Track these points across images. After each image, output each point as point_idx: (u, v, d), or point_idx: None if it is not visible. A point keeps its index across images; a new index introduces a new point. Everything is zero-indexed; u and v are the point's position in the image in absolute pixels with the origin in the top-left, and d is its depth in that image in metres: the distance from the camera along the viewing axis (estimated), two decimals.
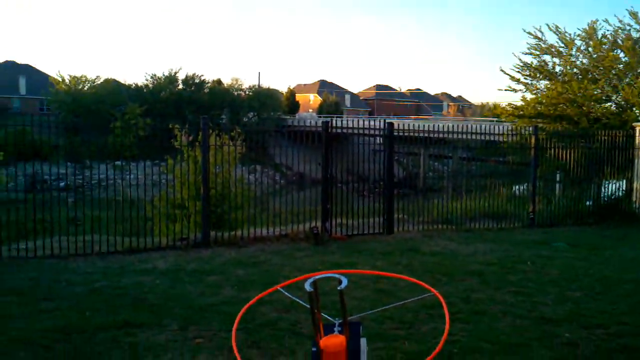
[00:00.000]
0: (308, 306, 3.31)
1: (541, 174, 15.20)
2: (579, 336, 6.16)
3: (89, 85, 65.98)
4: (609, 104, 21.48)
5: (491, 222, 13.90)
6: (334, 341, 2.67)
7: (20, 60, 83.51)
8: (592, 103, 20.49)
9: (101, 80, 67.35)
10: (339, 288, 3.22)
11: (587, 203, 15.22)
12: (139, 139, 12.07)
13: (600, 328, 6.45)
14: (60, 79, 65.46)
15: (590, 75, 20.81)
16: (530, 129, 15.12)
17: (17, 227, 10.61)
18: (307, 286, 3.27)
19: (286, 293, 5.02)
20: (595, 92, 20.20)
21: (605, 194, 15.38)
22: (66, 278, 8.31)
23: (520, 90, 22.03)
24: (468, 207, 14.13)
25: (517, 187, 16.04)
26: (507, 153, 16.97)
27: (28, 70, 78.54)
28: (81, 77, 66.01)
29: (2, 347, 5.64)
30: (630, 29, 20.62)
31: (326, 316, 3.54)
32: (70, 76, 65.69)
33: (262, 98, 70.78)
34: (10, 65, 79.66)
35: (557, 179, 15.95)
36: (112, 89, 65.25)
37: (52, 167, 13.42)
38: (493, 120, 41.21)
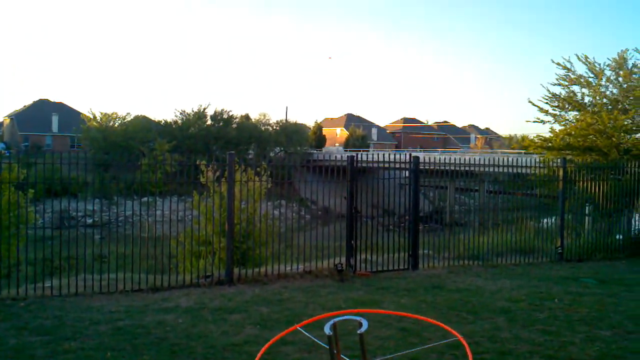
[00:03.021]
0: (328, 347, 3.26)
1: (570, 207, 14.94)
2: None
3: (119, 121, 67.18)
4: None
5: (519, 257, 13.67)
6: None
7: (53, 98, 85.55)
8: (622, 134, 20.16)
9: (131, 117, 68.57)
10: (358, 331, 3.16)
11: (617, 237, 14.92)
12: (167, 175, 12.16)
13: None
14: (91, 116, 66.80)
15: (620, 106, 20.54)
16: (559, 161, 14.93)
17: (43, 264, 10.72)
18: (327, 329, 3.21)
19: (305, 333, 4.96)
20: (626, 123, 19.89)
21: (636, 227, 15.07)
22: (90, 317, 8.34)
23: (548, 121, 21.76)
24: (495, 242, 13.91)
25: (545, 220, 15.79)
26: (535, 186, 16.76)
27: (60, 108, 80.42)
28: (112, 114, 67.33)
29: None
30: None
31: (346, 358, 3.46)
32: (101, 113, 67.06)
33: (289, 133, 71.32)
34: (44, 104, 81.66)
35: (586, 212, 15.65)
36: (142, 125, 66.33)
37: (81, 203, 13.56)
38: (521, 153, 40.91)
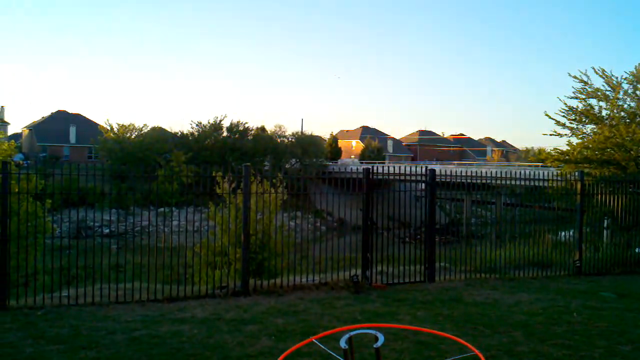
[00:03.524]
0: None
1: (588, 221, 14.78)
2: None
3: (136, 133, 67.63)
4: None
5: (536, 270, 13.55)
6: None
7: (71, 109, 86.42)
8: None
9: (148, 128, 69.00)
10: (375, 346, 3.12)
11: (637, 250, 14.73)
12: (183, 186, 12.21)
13: None
14: (108, 128, 67.35)
15: (638, 119, 20.36)
16: (576, 174, 14.79)
17: (60, 273, 10.79)
18: (342, 343, 3.18)
19: (321, 345, 4.93)
20: None
21: None
22: (106, 326, 8.36)
23: (565, 134, 21.60)
24: (512, 255, 13.81)
25: (563, 233, 15.63)
26: (552, 199, 16.61)
27: (78, 120, 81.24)
28: (129, 125, 67.85)
29: None
30: None
31: None
32: (118, 124, 67.59)
33: (305, 144, 71.46)
34: (62, 115, 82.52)
35: (605, 225, 15.47)
36: (159, 136, 66.77)
37: (98, 213, 13.63)
38: (538, 166, 40.69)
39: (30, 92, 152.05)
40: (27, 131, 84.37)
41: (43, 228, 14.04)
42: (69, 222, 13.76)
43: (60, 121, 79.51)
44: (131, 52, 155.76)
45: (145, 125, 69.29)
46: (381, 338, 3.19)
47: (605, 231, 15.49)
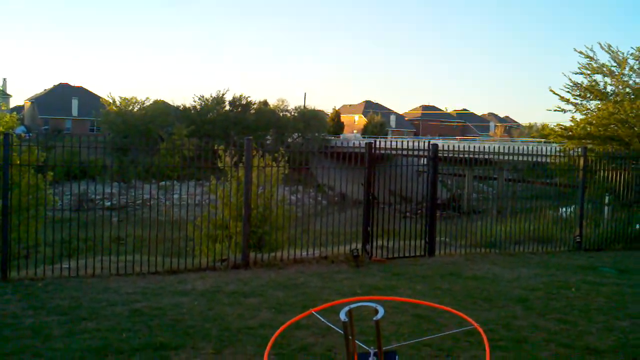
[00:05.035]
0: (343, 332, 3.24)
1: (589, 197, 14.77)
2: None
3: (138, 106, 67.40)
4: None
5: (536, 245, 13.56)
6: None
7: (74, 82, 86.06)
8: None
9: (150, 102, 68.76)
10: (374, 318, 3.12)
11: (637, 226, 14.72)
12: (185, 160, 12.18)
13: None
14: (111, 101, 67.16)
15: None
16: (579, 150, 14.74)
17: (61, 245, 10.82)
18: (342, 316, 3.19)
19: (320, 317, 4.94)
20: None
21: None
22: (107, 298, 8.40)
23: (569, 110, 21.49)
24: (513, 230, 13.82)
25: (564, 209, 15.63)
26: (554, 175, 16.58)
27: (80, 92, 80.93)
28: (131, 98, 67.58)
29: None
30: None
31: (361, 344, 3.44)
32: (120, 97, 67.35)
33: (307, 119, 71.25)
34: (64, 88, 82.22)
35: (606, 201, 15.46)
36: (161, 110, 66.55)
37: (100, 186, 13.63)
38: (541, 141, 40.60)
39: (32, 64, 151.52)
40: (29, 104, 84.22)
41: (44, 200, 14.04)
42: (71, 194, 13.80)
43: (62, 94, 79.29)
44: (134, 25, 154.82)
45: (147, 98, 69.17)
46: (381, 311, 3.18)
47: (606, 207, 15.49)
